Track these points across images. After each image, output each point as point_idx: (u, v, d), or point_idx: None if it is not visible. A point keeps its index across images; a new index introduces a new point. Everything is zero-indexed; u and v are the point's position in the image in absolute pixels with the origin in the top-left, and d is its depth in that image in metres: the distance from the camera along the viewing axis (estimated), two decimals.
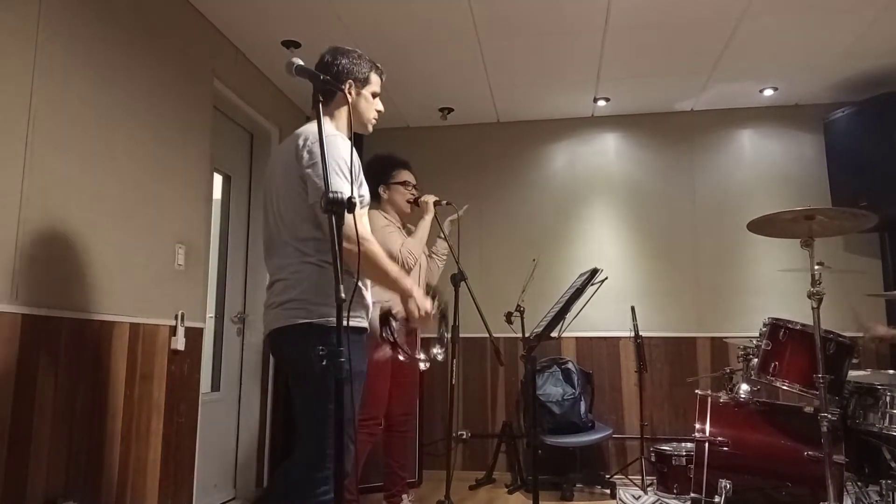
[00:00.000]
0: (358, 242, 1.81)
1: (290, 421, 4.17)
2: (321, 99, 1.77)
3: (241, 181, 4.13)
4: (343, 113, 2.14)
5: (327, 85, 1.79)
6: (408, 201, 3.27)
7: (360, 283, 1.99)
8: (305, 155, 1.94)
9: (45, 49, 2.35)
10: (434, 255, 3.40)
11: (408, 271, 3.16)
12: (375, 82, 2.20)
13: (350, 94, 2.12)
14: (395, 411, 3.15)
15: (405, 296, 2.11)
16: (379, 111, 2.23)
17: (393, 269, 2.05)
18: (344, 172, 1.93)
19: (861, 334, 3.31)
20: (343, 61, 2.13)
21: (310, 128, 1.99)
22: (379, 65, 2.25)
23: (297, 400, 1.99)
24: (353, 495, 2.86)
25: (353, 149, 1.96)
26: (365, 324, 2.05)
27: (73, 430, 2.40)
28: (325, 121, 2.06)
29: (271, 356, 4.07)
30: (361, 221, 1.98)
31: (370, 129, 2.24)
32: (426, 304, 2.13)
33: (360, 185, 2.04)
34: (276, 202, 2.04)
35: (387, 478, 3.24)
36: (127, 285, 2.74)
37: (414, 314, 2.11)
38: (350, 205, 1.66)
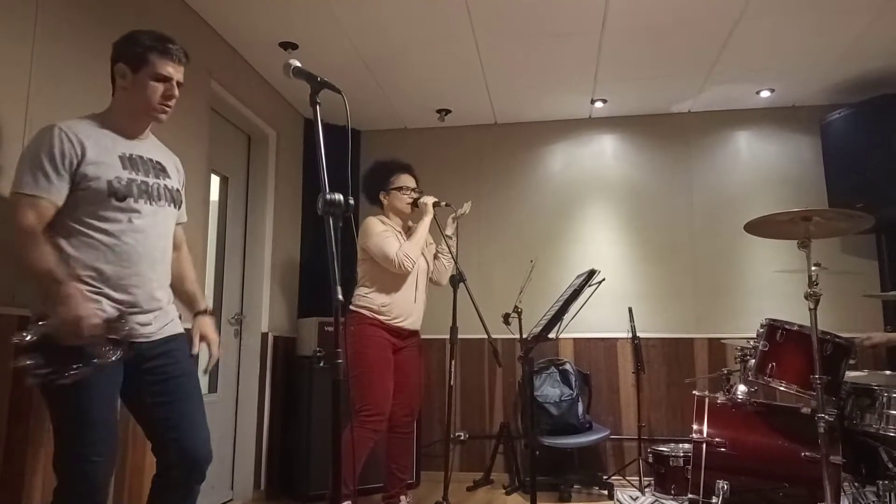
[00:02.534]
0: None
1: (289, 422, 4.17)
2: (318, 101, 1.77)
3: (239, 183, 4.13)
4: (118, 103, 1.95)
5: (323, 86, 1.79)
6: (407, 203, 3.29)
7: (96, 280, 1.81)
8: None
9: (42, 50, 2.35)
10: (441, 255, 3.41)
11: (405, 274, 3.16)
12: (157, 63, 1.89)
13: (123, 78, 1.91)
14: (398, 412, 3.14)
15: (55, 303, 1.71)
16: (170, 96, 1.94)
17: (41, 269, 1.72)
18: (38, 164, 1.78)
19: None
20: (118, 45, 1.93)
21: None
22: (172, 46, 1.92)
23: None
24: (350, 490, 2.85)
25: (68, 138, 1.81)
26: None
27: None
28: (91, 116, 1.95)
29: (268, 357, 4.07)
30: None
31: (159, 117, 1.96)
32: (76, 314, 1.68)
33: (76, 173, 1.82)
34: None
35: (386, 479, 3.24)
36: None
37: (61, 330, 1.69)
38: (348, 206, 1.66)
